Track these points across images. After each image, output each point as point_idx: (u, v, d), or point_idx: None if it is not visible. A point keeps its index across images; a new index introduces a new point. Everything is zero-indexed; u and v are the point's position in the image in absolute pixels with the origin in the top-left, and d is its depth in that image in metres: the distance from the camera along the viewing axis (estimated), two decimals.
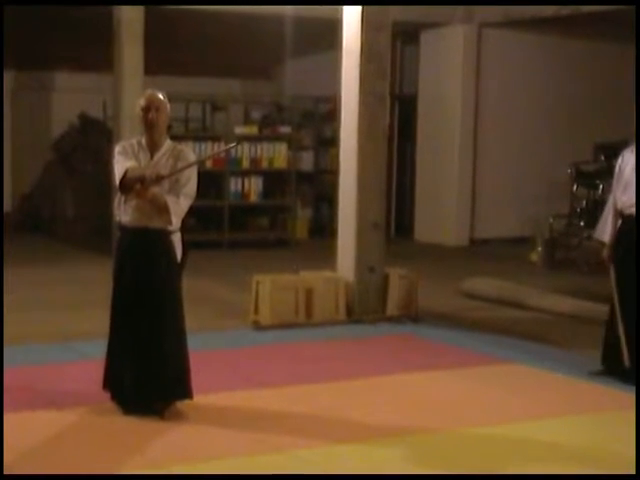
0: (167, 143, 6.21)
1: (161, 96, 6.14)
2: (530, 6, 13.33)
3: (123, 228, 6.15)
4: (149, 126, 6.08)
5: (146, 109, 6.05)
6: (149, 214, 6.01)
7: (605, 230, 7.40)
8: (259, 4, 12.44)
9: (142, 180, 5.88)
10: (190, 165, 6.08)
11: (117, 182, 6.03)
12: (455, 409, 6.53)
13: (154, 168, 5.98)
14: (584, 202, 13.19)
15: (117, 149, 6.16)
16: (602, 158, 13.04)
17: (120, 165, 6.02)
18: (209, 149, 13.74)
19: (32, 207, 15.69)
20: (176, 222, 6.01)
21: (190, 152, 6.29)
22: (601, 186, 12.63)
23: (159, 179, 5.90)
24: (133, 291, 6.07)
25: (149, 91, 6.22)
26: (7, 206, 16.41)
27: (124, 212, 6.09)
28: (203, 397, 6.33)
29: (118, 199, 6.14)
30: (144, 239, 6.06)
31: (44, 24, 13.98)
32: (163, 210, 5.95)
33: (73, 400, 6.41)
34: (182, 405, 6.16)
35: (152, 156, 6.10)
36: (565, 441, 5.84)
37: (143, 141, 6.15)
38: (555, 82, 14.96)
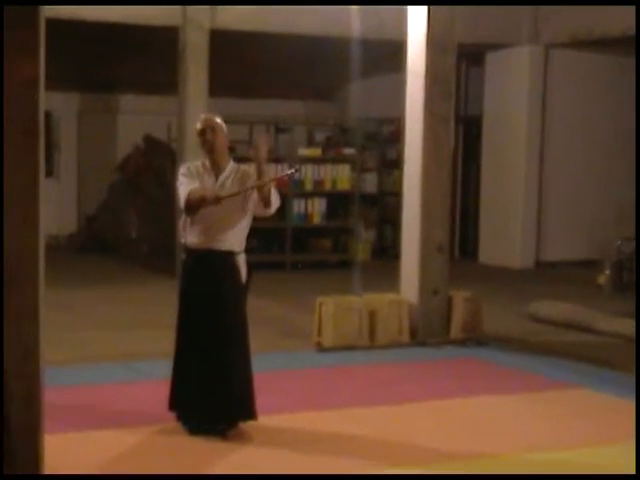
0: (231, 164, 6.24)
1: (216, 118, 6.20)
2: (597, 26, 13.18)
3: (189, 250, 6.15)
4: (208, 149, 6.15)
5: (202, 132, 6.14)
6: (214, 236, 6.04)
7: None
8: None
9: (202, 201, 5.94)
10: (249, 189, 6.05)
11: (182, 204, 6.06)
12: (520, 434, 6.41)
13: (216, 189, 6.03)
14: None
15: (181, 171, 6.20)
16: None
17: (184, 187, 6.07)
18: (272, 171, 13.75)
19: (97, 228, 15.85)
20: (273, 210, 6.11)
21: (253, 173, 6.26)
22: None
23: (218, 200, 5.94)
24: (200, 312, 6.06)
25: (203, 115, 6.33)
26: (72, 227, 16.61)
27: (190, 234, 6.11)
28: (266, 418, 6.28)
29: (183, 221, 6.16)
30: (210, 261, 6.06)
31: (110, 47, 14.15)
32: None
33: (135, 420, 6.41)
34: (246, 426, 6.12)
35: (217, 178, 6.14)
36: (630, 467, 5.68)
37: (207, 163, 6.20)
38: (623, 103, 14.74)
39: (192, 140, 12.48)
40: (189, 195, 5.99)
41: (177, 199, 6.21)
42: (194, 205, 5.97)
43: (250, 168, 6.26)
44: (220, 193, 5.98)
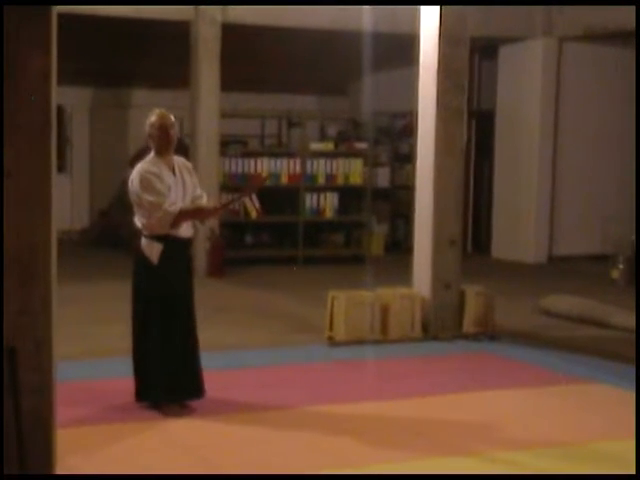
0: (174, 158, 6.51)
1: (171, 115, 6.47)
2: (611, 19, 13.13)
3: (175, 239, 6.41)
4: (168, 144, 6.37)
5: (164, 128, 6.35)
6: (189, 226, 6.58)
7: None
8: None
9: (199, 213, 6.50)
10: (239, 199, 7.25)
11: (164, 214, 6.27)
12: (532, 428, 6.39)
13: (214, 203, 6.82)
14: None
15: (147, 168, 6.34)
16: None
17: (161, 197, 6.27)
18: (284, 165, 13.77)
19: (109, 223, 15.86)
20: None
21: (188, 162, 6.76)
22: None
23: (217, 211, 6.80)
24: (185, 292, 6.53)
25: (158, 110, 6.48)
26: (85, 222, 16.64)
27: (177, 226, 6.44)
28: (277, 412, 6.28)
29: (162, 218, 6.31)
30: (189, 246, 6.65)
31: (122, 42, 14.15)
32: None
33: (147, 414, 6.41)
34: (258, 421, 6.12)
35: (173, 173, 6.42)
36: None
37: (158, 159, 6.40)
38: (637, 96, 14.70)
39: (205, 135, 12.58)
40: (181, 213, 6.30)
41: (151, 196, 6.29)
42: (189, 218, 6.44)
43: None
44: (217, 205, 6.80)
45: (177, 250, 6.44)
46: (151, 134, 6.37)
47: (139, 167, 6.39)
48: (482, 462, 5.68)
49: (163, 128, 6.33)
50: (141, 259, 6.45)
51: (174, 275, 6.44)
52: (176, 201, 6.30)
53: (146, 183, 6.26)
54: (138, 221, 6.47)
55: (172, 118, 6.41)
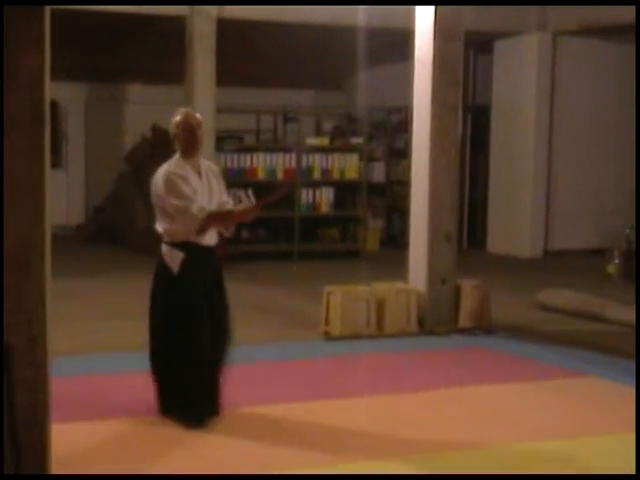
0: (201, 160, 6.16)
1: (197, 114, 6.14)
2: (607, 13, 13.12)
3: (197, 246, 6.01)
4: (194, 146, 6.03)
5: (191, 128, 6.02)
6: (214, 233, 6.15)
7: None
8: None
9: (229, 216, 6.07)
10: (272, 200, 6.50)
11: (194, 218, 5.89)
12: (528, 422, 6.40)
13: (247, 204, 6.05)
14: None
15: (172, 170, 5.98)
16: None
17: (190, 201, 5.87)
18: (280, 160, 13.77)
19: (105, 218, 15.85)
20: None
21: (215, 166, 6.44)
22: None
23: (248, 214, 6.05)
24: (208, 302, 6.09)
25: (184, 109, 6.19)
26: (80, 217, 16.63)
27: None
28: (273, 407, 6.28)
29: (188, 223, 5.94)
30: (214, 253, 6.15)
31: (117, 37, 14.14)
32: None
33: (144, 409, 6.41)
34: (252, 416, 6.13)
35: (200, 176, 6.04)
36: (632, 456, 5.66)
37: (184, 161, 6.04)
38: (633, 91, 14.68)
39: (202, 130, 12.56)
40: (209, 217, 5.91)
41: (177, 200, 5.90)
42: (212, 226, 6.00)
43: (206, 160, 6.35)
44: (246, 207, 6.03)
45: (200, 259, 6.00)
46: (176, 134, 6.02)
47: (163, 169, 6.01)
48: (478, 456, 5.69)
49: (188, 128, 5.99)
50: (161, 268, 6.03)
51: (196, 286, 5.99)
52: (203, 206, 5.92)
53: (171, 185, 5.87)
54: (159, 226, 6.04)
55: (198, 117, 6.09)
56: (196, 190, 5.91)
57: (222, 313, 6.19)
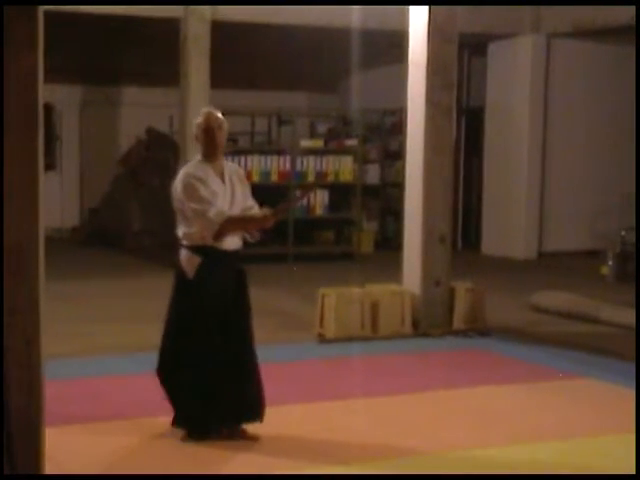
0: (225, 163, 5.97)
1: (219, 114, 5.87)
2: (599, 15, 13.16)
3: (216, 251, 5.79)
4: (215, 148, 5.80)
5: (210, 130, 5.78)
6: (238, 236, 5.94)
7: None
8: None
9: (249, 222, 5.86)
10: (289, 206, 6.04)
11: (211, 223, 5.66)
12: (523, 424, 6.40)
13: (265, 211, 5.88)
14: None
15: (191, 172, 5.77)
16: None
17: (207, 203, 5.66)
18: (274, 163, 13.77)
19: (100, 221, 15.85)
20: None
21: (241, 169, 6.20)
22: None
23: (269, 220, 5.85)
24: (228, 313, 5.88)
25: (207, 109, 5.93)
26: (75, 220, 16.62)
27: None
28: (268, 410, 6.27)
29: (205, 227, 5.72)
30: (237, 259, 5.94)
31: (112, 40, 14.14)
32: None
33: (140, 411, 6.41)
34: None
35: (222, 180, 5.83)
36: (630, 458, 5.67)
37: (205, 163, 5.84)
38: (627, 93, 14.72)
39: (195, 133, 12.55)
40: (228, 221, 5.67)
41: (195, 203, 5.68)
42: (231, 231, 5.76)
43: (233, 163, 6.14)
44: (267, 213, 5.86)
45: (219, 265, 5.76)
46: (197, 136, 5.80)
47: (184, 171, 5.79)
48: (473, 458, 5.69)
49: (209, 130, 5.75)
50: (178, 274, 5.82)
51: (213, 293, 5.76)
52: (222, 210, 5.69)
53: (190, 189, 5.66)
54: (179, 230, 5.83)
55: (221, 118, 5.80)
56: (216, 193, 5.70)
57: (242, 319, 5.91)
